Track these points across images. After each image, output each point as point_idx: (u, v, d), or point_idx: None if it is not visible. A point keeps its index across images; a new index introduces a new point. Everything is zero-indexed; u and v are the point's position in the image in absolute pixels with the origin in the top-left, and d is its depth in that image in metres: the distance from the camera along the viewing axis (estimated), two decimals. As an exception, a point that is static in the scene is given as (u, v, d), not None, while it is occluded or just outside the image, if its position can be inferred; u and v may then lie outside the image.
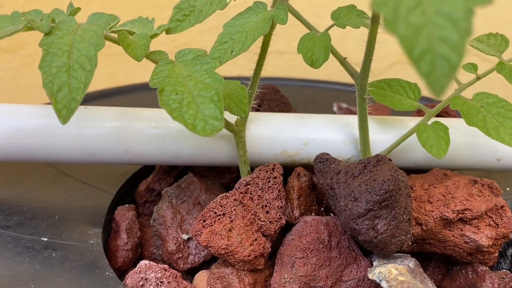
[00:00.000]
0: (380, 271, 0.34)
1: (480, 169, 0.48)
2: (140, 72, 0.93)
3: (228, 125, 0.41)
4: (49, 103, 0.61)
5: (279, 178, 0.41)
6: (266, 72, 0.85)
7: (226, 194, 0.39)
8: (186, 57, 0.36)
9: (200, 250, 0.43)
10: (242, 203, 0.39)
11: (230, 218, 0.38)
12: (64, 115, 0.30)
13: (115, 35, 0.37)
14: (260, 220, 0.38)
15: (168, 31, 0.41)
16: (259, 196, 0.39)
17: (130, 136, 0.43)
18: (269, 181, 0.40)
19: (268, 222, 0.38)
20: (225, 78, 0.46)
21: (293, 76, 0.86)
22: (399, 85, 0.45)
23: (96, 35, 0.32)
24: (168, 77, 0.34)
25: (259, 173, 0.41)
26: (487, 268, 0.42)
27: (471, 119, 0.40)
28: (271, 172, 0.41)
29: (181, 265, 0.42)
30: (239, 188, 0.40)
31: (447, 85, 0.20)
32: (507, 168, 0.48)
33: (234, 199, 0.39)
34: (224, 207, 0.38)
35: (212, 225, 0.37)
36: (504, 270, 0.42)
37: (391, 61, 0.93)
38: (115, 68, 0.90)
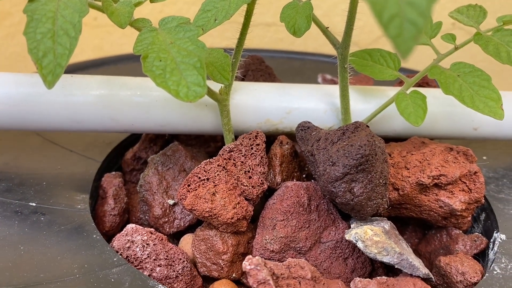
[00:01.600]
0: (356, 232, 0.35)
1: (458, 137, 0.50)
2: (127, 43, 0.93)
3: (212, 94, 0.42)
4: (35, 72, 0.61)
5: (262, 145, 0.42)
6: (253, 44, 0.86)
7: (210, 160, 0.40)
8: (169, 25, 0.37)
9: (185, 215, 0.44)
10: (225, 169, 0.40)
11: (213, 182, 0.39)
12: (50, 81, 0.31)
13: (100, 3, 0.37)
14: (243, 184, 0.40)
15: (152, 0, 0.42)
16: (242, 162, 0.41)
17: (116, 104, 0.44)
18: (251, 148, 0.41)
19: (250, 187, 0.40)
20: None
21: (280, 48, 0.86)
22: (379, 55, 0.46)
23: (80, 2, 0.33)
24: (151, 44, 0.35)
25: (243, 141, 0.42)
26: (460, 232, 0.44)
27: (447, 88, 0.41)
28: (254, 140, 0.42)
29: (167, 229, 0.44)
30: (222, 154, 0.41)
31: (413, 47, 0.21)
32: (483, 137, 0.49)
33: (218, 165, 0.40)
34: (208, 172, 0.39)
35: (196, 189, 0.38)
36: (476, 233, 0.44)
37: (378, 33, 0.93)
38: (101, 39, 0.90)
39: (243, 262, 0.32)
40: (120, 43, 0.92)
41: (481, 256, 0.43)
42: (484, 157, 0.53)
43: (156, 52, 0.34)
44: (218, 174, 0.39)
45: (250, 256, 0.33)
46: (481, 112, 0.40)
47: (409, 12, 0.21)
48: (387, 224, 0.38)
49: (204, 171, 0.39)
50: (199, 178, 0.39)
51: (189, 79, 0.32)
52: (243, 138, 0.43)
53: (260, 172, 0.41)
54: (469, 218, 0.43)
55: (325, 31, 0.43)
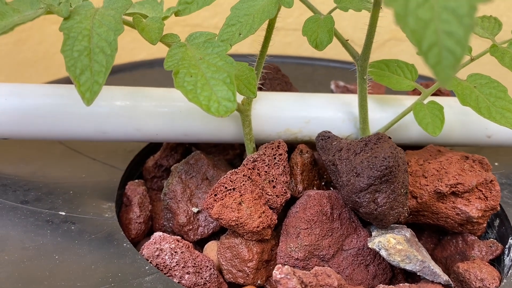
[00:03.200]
0: (379, 240, 0.37)
1: (472, 145, 0.51)
2: (137, 48, 0.94)
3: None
4: (52, 82, 0.62)
5: (284, 155, 0.43)
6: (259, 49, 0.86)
7: (235, 170, 0.42)
8: (197, 40, 0.38)
9: (209, 222, 0.45)
10: (250, 179, 0.41)
11: (239, 192, 0.40)
12: (88, 98, 0.32)
13: (129, 18, 0.38)
14: (268, 194, 0.41)
15: (177, 14, 0.43)
16: (266, 172, 0.42)
17: (141, 115, 0.45)
18: (274, 158, 0.43)
19: (274, 196, 0.41)
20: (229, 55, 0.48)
21: (289, 53, 0.87)
22: (397, 66, 0.47)
23: (115, 20, 0.34)
24: (181, 59, 0.36)
25: (265, 151, 0.43)
26: (476, 238, 0.45)
27: (464, 99, 0.42)
28: (277, 150, 0.43)
29: (192, 236, 0.45)
30: (247, 164, 0.42)
31: (452, 75, 0.22)
32: (497, 144, 0.51)
33: (243, 175, 0.41)
34: (234, 182, 0.41)
35: (223, 199, 0.40)
36: (491, 239, 0.45)
37: (386, 37, 0.95)
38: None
39: (274, 271, 0.34)
40: (131, 47, 0.93)
41: (496, 262, 0.44)
42: (496, 163, 0.54)
43: (187, 68, 0.35)
44: (244, 184, 0.40)
45: (280, 265, 0.34)
46: (498, 123, 0.41)
47: (447, 41, 0.22)
48: (408, 232, 0.39)
49: (230, 181, 0.41)
50: (226, 188, 0.40)
51: (220, 94, 0.34)
52: (265, 148, 0.44)
53: (283, 182, 0.42)
54: (485, 225, 0.44)
55: (345, 43, 0.44)
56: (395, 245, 0.36)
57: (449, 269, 0.44)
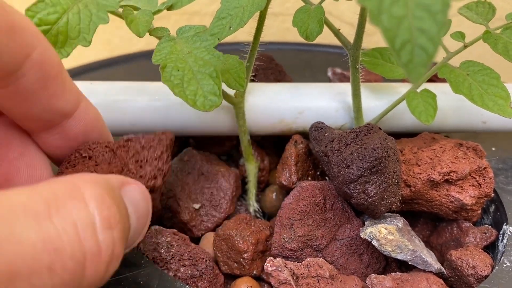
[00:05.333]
0: (371, 230, 0.37)
1: (467, 131, 0.51)
2: (136, 37, 0.94)
3: (227, 97, 0.44)
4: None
5: (166, 141, 0.38)
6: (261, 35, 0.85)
7: (99, 141, 0.37)
8: (186, 34, 0.38)
9: (212, 216, 0.45)
10: (113, 151, 0.37)
11: (95, 161, 0.36)
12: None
13: (121, 10, 0.38)
14: (130, 171, 0.36)
15: (169, 8, 0.43)
16: (136, 151, 0.37)
17: (136, 110, 0.46)
18: (153, 141, 0.38)
19: (138, 176, 0.36)
20: (225, 43, 0.48)
21: (288, 40, 0.87)
22: (390, 54, 0.47)
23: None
24: (170, 53, 0.36)
25: (146, 134, 0.39)
26: (470, 224, 0.45)
27: (457, 87, 0.42)
28: (160, 135, 0.38)
29: (196, 232, 0.45)
30: (119, 141, 0.38)
31: (423, 73, 0.22)
32: (492, 129, 0.51)
33: (105, 146, 0.37)
34: (92, 151, 0.36)
35: (75, 166, 0.36)
36: (486, 225, 0.46)
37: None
38: (110, 33, 0.91)
39: (265, 264, 0.34)
40: (129, 37, 0.92)
41: (490, 248, 0.44)
42: (493, 148, 0.54)
43: (174, 62, 0.35)
44: (103, 155, 0.36)
45: (271, 258, 0.35)
46: (491, 111, 0.41)
47: (420, 38, 0.22)
48: (400, 222, 0.39)
49: (89, 149, 0.36)
50: (81, 155, 0.36)
51: (206, 88, 0.34)
52: (148, 134, 0.39)
53: (156, 166, 0.37)
54: (479, 211, 0.44)
55: (336, 33, 0.44)
56: (386, 235, 0.36)
57: (444, 256, 0.44)
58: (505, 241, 0.42)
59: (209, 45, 0.36)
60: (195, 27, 0.38)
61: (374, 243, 0.37)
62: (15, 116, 0.31)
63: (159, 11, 0.40)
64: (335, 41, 0.75)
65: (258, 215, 0.48)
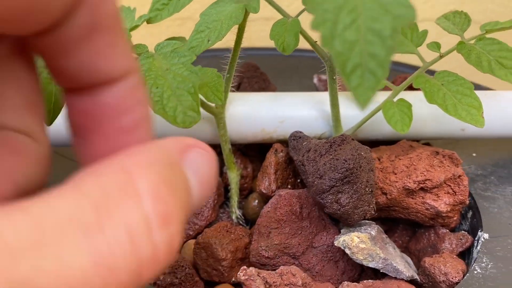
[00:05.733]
0: (344, 239, 0.38)
1: (446, 138, 0.52)
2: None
3: (208, 108, 0.45)
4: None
5: None
6: (252, 38, 0.87)
7: None
8: (165, 50, 0.39)
9: (193, 224, 0.46)
10: None
11: None
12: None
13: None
14: None
15: (148, 21, 0.44)
16: None
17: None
18: None
19: None
20: (216, 49, 0.49)
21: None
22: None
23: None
24: (148, 70, 0.37)
25: None
26: (447, 231, 0.46)
27: (432, 97, 0.43)
28: None
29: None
30: None
31: (371, 98, 0.23)
32: (471, 136, 0.51)
33: None
34: None
35: None
36: (463, 231, 0.47)
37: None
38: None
39: (238, 273, 0.35)
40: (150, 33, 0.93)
41: (467, 254, 0.45)
42: (474, 154, 0.55)
43: (153, 79, 0.36)
44: None
45: (245, 267, 0.36)
46: (464, 120, 0.42)
47: (370, 63, 0.23)
48: (374, 230, 0.40)
49: None
50: None
51: (185, 104, 0.35)
52: None
53: None
54: (455, 218, 0.45)
55: (313, 45, 0.45)
56: (358, 244, 0.37)
57: (421, 261, 0.45)
58: (478, 247, 0.43)
59: (187, 61, 0.37)
60: (173, 43, 0.39)
61: (347, 251, 0.38)
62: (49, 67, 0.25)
63: (136, 26, 0.41)
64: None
65: (240, 222, 0.49)
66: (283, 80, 0.71)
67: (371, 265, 0.37)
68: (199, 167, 0.25)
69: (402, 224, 0.49)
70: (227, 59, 0.46)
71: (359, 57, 0.23)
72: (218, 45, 0.47)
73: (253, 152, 0.54)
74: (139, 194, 0.21)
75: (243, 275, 0.35)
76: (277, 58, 0.77)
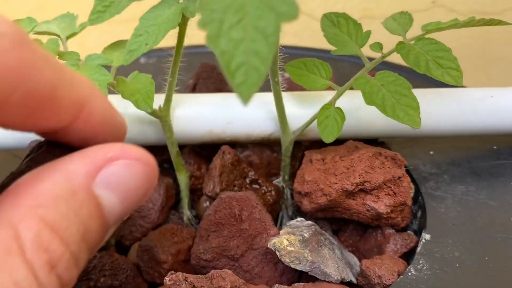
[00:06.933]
0: (274, 241, 0.38)
1: (399, 136, 0.52)
2: (110, 39, 0.96)
3: (152, 112, 0.45)
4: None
5: None
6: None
7: None
8: (93, 62, 0.40)
9: (139, 227, 0.47)
10: None
11: None
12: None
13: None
14: None
15: (90, 23, 0.44)
16: None
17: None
18: None
19: None
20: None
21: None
22: (313, 65, 0.47)
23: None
24: None
25: None
26: (393, 231, 0.46)
27: (370, 98, 0.43)
28: None
29: (125, 242, 0.47)
30: None
31: (253, 94, 0.23)
32: (423, 135, 0.51)
33: None
34: None
35: None
36: (409, 232, 0.46)
37: (357, 16, 0.94)
38: (82, 37, 0.92)
39: (165, 278, 0.36)
40: (104, 39, 0.94)
41: (411, 255, 0.45)
42: (431, 152, 0.54)
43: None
44: None
45: (172, 271, 0.36)
46: (401, 121, 0.42)
47: (254, 60, 0.23)
48: (309, 232, 0.40)
49: None
50: None
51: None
52: None
53: None
54: (399, 219, 0.45)
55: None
56: (286, 246, 0.38)
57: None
58: (419, 248, 0.43)
59: (104, 80, 0.38)
60: (103, 58, 0.40)
61: (277, 253, 0.38)
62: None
63: (73, 34, 0.42)
64: (289, 42, 0.76)
65: (192, 223, 0.50)
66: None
67: (298, 267, 0.37)
68: (120, 181, 0.26)
69: (353, 224, 0.49)
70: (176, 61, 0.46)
71: (244, 55, 0.23)
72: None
73: (208, 152, 0.54)
74: (23, 248, 0.22)
75: (169, 280, 0.35)
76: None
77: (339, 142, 0.50)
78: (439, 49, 0.41)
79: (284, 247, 0.38)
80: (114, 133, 0.29)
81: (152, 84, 0.41)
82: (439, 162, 0.53)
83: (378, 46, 0.45)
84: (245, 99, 0.24)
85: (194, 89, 0.56)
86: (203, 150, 0.54)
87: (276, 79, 0.45)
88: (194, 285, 0.36)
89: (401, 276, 0.40)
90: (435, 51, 0.42)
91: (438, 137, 0.56)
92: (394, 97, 0.42)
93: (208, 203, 0.50)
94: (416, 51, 0.42)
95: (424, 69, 0.41)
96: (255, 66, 0.23)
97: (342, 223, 0.50)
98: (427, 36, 0.43)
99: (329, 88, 0.54)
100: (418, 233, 0.47)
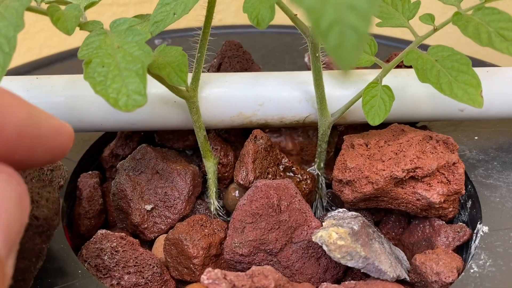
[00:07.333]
0: (321, 234, 0.34)
1: (444, 119, 0.47)
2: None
3: (178, 91, 0.41)
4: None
5: None
6: (243, 19, 0.82)
7: None
8: (121, 27, 0.35)
9: (166, 218, 0.43)
10: None
11: None
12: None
13: (45, 7, 0.35)
14: None
15: None
16: None
17: (83, 105, 0.43)
18: None
19: None
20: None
21: (272, 22, 0.83)
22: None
23: (17, 14, 0.31)
24: (98, 48, 0.33)
25: None
26: (443, 223, 0.42)
27: (424, 75, 0.38)
28: None
29: (148, 235, 0.43)
30: None
31: (356, 58, 0.19)
32: (470, 117, 0.47)
33: None
34: None
35: None
36: (461, 223, 0.42)
37: None
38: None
39: (202, 276, 0.32)
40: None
41: (465, 249, 0.41)
42: (476, 137, 0.50)
43: (101, 57, 0.32)
44: None
45: (210, 269, 0.32)
46: (460, 101, 0.37)
47: (350, 17, 0.19)
48: (358, 224, 0.36)
49: None
50: None
51: (131, 86, 0.31)
52: None
53: None
54: (451, 209, 0.41)
55: (293, 18, 0.40)
56: (336, 240, 0.33)
57: (412, 258, 0.41)
58: (477, 242, 0.39)
59: (141, 39, 0.33)
60: (130, 20, 0.35)
61: (324, 248, 0.34)
62: None
63: (93, 3, 0.37)
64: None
65: (220, 214, 0.45)
66: (275, 60, 0.66)
67: (350, 264, 0.33)
68: None
69: (396, 215, 0.45)
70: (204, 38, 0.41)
71: (335, 11, 0.19)
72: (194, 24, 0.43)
73: (235, 138, 0.50)
74: None
75: (207, 278, 0.31)
76: (272, 36, 0.73)
77: (380, 125, 0.45)
78: (503, 20, 0.37)
79: (333, 241, 0.33)
80: (46, 143, 0.27)
81: (184, 56, 0.37)
82: (486, 148, 0.49)
83: (429, 18, 0.41)
84: (345, 65, 0.19)
85: (219, 69, 0.51)
86: (230, 136, 0.50)
87: (317, 54, 0.40)
88: (234, 284, 0.32)
89: (463, 274, 0.36)
90: (498, 21, 0.37)
91: (482, 121, 0.51)
92: (451, 74, 0.38)
93: (237, 192, 0.46)
94: (475, 22, 0.38)
95: (487, 42, 0.37)
96: (352, 24, 0.19)
97: (383, 214, 0.46)
98: (487, 5, 0.38)
99: (374, 67, 0.50)
100: (469, 225, 0.42)
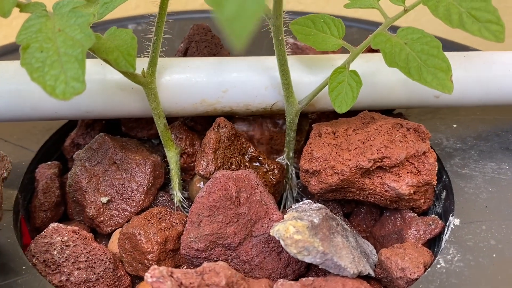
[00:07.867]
0: (278, 228, 0.32)
1: (420, 106, 0.45)
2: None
3: (134, 77, 0.38)
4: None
5: None
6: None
7: None
8: (63, 9, 0.33)
9: (123, 211, 0.41)
10: None
11: None
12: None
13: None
14: None
15: None
16: None
17: (36, 92, 0.41)
18: None
19: None
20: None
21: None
22: (323, 22, 0.41)
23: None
24: (38, 32, 0.31)
25: None
26: (414, 215, 0.40)
27: (392, 59, 0.36)
28: None
29: (105, 228, 0.41)
30: None
31: (250, 31, 0.17)
32: (447, 104, 0.45)
33: None
34: None
35: None
36: (433, 215, 0.40)
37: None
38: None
39: (145, 274, 0.30)
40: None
41: (437, 242, 0.39)
42: (455, 125, 0.48)
43: (40, 42, 0.30)
44: None
45: (155, 266, 0.30)
46: (429, 86, 0.35)
47: None
48: (319, 217, 0.34)
49: None
50: None
51: (69, 73, 0.29)
52: None
53: None
54: (422, 201, 0.39)
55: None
56: (292, 234, 0.31)
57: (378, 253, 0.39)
58: (447, 235, 0.37)
59: (84, 22, 0.31)
60: (75, 1, 0.33)
61: (281, 242, 0.32)
62: None
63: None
64: (301, 7, 0.68)
65: (184, 206, 0.43)
66: (254, 47, 0.64)
67: (307, 260, 0.31)
68: None
69: (368, 206, 0.43)
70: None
71: None
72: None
73: (202, 126, 0.48)
74: None
75: (151, 276, 0.29)
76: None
77: (351, 113, 0.43)
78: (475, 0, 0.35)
79: (290, 235, 0.31)
80: None
81: (134, 39, 0.34)
82: (464, 136, 0.47)
83: (400, -2, 0.38)
84: (239, 40, 0.17)
85: (185, 54, 0.49)
86: (197, 124, 0.47)
87: (280, 37, 0.38)
88: (181, 282, 0.30)
89: (429, 269, 0.34)
90: (470, 1, 0.35)
91: (462, 108, 0.49)
92: (420, 58, 0.36)
93: (202, 183, 0.44)
94: (447, 2, 0.35)
95: (457, 23, 0.35)
96: None
97: (354, 205, 0.44)
98: (459, -16, 0.36)
99: (341, 51, 0.48)
100: (443, 217, 0.40)
